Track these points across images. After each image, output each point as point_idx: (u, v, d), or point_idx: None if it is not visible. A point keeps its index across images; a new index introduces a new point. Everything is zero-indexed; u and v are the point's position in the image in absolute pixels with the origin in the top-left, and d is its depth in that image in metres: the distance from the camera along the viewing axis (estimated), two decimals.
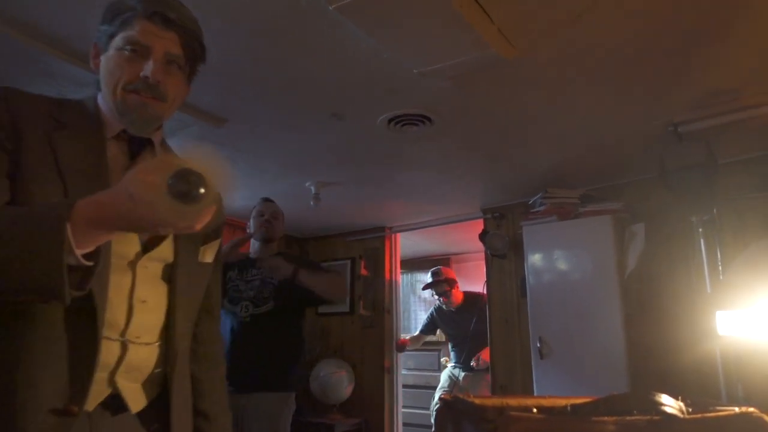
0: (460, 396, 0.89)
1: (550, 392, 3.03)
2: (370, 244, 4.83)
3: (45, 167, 0.88)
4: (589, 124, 2.71)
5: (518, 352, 3.79)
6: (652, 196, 3.32)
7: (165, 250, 0.99)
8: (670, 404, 0.82)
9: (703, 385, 2.82)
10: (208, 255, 1.08)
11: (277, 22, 1.83)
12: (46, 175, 0.87)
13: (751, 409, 0.83)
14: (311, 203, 3.58)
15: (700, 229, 2.77)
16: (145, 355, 0.96)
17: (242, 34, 1.90)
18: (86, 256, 0.76)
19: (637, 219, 3.30)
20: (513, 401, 0.86)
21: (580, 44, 1.98)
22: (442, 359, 5.22)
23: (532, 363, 3.37)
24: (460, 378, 4.22)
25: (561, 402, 0.85)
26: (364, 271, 4.78)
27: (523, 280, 3.61)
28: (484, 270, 4.15)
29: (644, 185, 3.40)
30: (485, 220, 4.18)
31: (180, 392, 1.02)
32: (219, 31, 1.85)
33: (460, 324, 4.28)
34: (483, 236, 4.01)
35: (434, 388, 4.61)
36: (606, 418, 0.81)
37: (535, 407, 0.84)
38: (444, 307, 4.36)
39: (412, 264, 6.49)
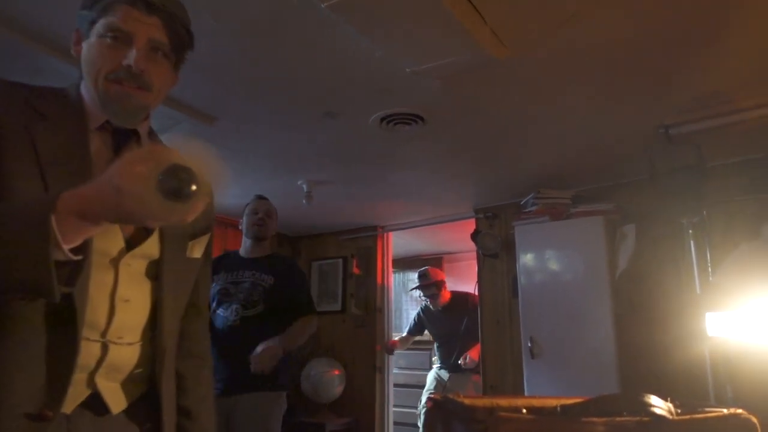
0: (450, 396, 0.89)
1: (540, 392, 3.05)
2: (362, 243, 4.83)
3: (24, 162, 0.82)
4: (582, 126, 2.73)
5: (509, 352, 3.80)
6: (643, 197, 3.34)
7: (150, 247, 0.94)
8: (660, 405, 0.82)
9: (692, 386, 2.84)
10: (196, 250, 1.04)
11: (268, 20, 1.81)
12: (26, 170, 0.82)
13: (740, 411, 0.83)
14: (303, 202, 3.57)
15: (690, 231, 2.79)
16: (127, 355, 0.92)
17: (233, 31, 1.88)
18: (73, 251, 0.73)
19: (627, 220, 3.32)
20: (503, 401, 0.86)
21: (571, 46, 1.99)
22: (433, 358, 5.22)
23: (523, 363, 3.38)
24: (446, 379, 4.21)
25: (551, 402, 0.85)
26: (356, 270, 4.78)
27: (515, 279, 3.62)
28: (476, 270, 4.15)
29: (635, 187, 3.42)
30: (477, 220, 4.19)
31: (169, 391, 0.99)
32: (210, 28, 1.82)
33: (445, 324, 4.26)
34: (475, 236, 4.02)
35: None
36: (596, 419, 0.81)
37: (526, 408, 0.84)
38: (431, 307, 4.37)
39: (404, 263, 6.49)
